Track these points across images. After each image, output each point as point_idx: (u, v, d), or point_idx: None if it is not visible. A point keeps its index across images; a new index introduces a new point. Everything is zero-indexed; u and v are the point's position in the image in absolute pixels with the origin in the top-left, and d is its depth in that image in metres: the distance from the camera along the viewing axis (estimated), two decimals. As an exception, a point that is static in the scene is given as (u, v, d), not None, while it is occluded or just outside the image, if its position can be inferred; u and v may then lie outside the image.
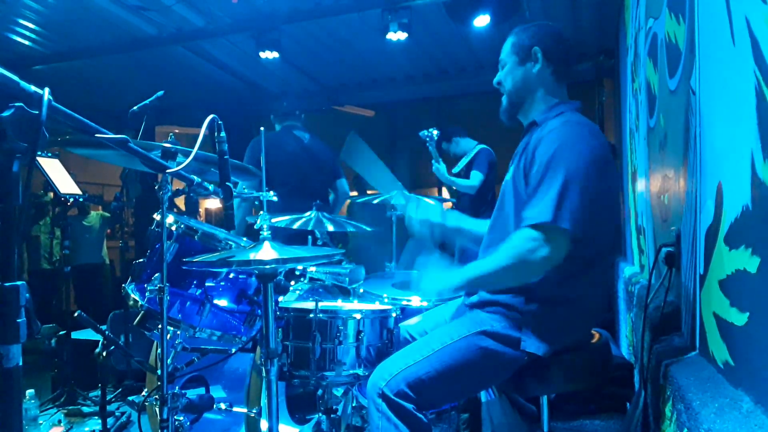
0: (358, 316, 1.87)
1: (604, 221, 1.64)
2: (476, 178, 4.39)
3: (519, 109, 1.80)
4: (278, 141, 3.77)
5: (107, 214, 6.10)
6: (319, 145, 3.91)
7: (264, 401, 1.94)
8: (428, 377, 1.54)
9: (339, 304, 2.20)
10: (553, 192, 1.50)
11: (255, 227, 1.73)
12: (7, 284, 0.84)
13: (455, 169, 4.65)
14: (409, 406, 1.52)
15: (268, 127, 3.86)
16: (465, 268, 1.64)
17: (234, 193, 1.60)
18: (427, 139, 4.11)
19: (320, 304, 1.86)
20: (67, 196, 3.53)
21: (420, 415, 1.53)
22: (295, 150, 3.73)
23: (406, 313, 2.14)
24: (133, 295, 1.94)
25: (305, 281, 2.46)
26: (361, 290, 2.38)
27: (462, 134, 4.82)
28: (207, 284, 1.95)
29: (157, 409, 1.73)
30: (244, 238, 2.16)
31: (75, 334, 3.67)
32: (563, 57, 1.78)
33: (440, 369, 1.56)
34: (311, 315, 1.84)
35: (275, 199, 1.98)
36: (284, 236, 3.12)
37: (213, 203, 9.06)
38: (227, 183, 1.58)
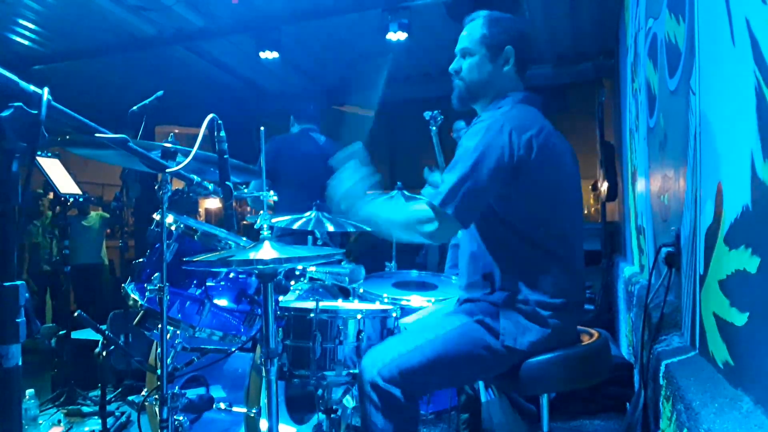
0: (358, 316, 1.87)
1: (552, 208, 1.65)
2: None
3: (477, 100, 1.81)
4: (295, 143, 3.74)
5: (107, 215, 6.10)
6: (333, 148, 3.84)
7: (264, 401, 1.94)
8: (420, 365, 1.58)
9: (339, 303, 2.20)
10: (454, 179, 1.58)
11: (255, 227, 1.73)
12: (6, 284, 0.84)
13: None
14: (397, 392, 1.56)
15: (270, 127, 3.84)
16: (372, 203, 1.77)
17: (235, 193, 1.61)
18: (432, 121, 3.67)
19: (320, 303, 1.86)
20: (67, 196, 3.53)
21: (408, 403, 1.57)
22: (310, 152, 3.68)
23: (406, 312, 2.14)
24: (132, 295, 1.94)
25: (305, 281, 2.45)
26: (361, 290, 2.38)
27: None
28: (207, 284, 1.95)
29: (157, 409, 1.73)
30: (244, 238, 2.15)
31: (75, 334, 3.67)
32: (529, 57, 1.81)
33: (432, 358, 1.59)
34: (312, 315, 1.84)
35: (275, 198, 1.97)
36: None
37: (213, 203, 9.05)
38: (227, 182, 1.58)
